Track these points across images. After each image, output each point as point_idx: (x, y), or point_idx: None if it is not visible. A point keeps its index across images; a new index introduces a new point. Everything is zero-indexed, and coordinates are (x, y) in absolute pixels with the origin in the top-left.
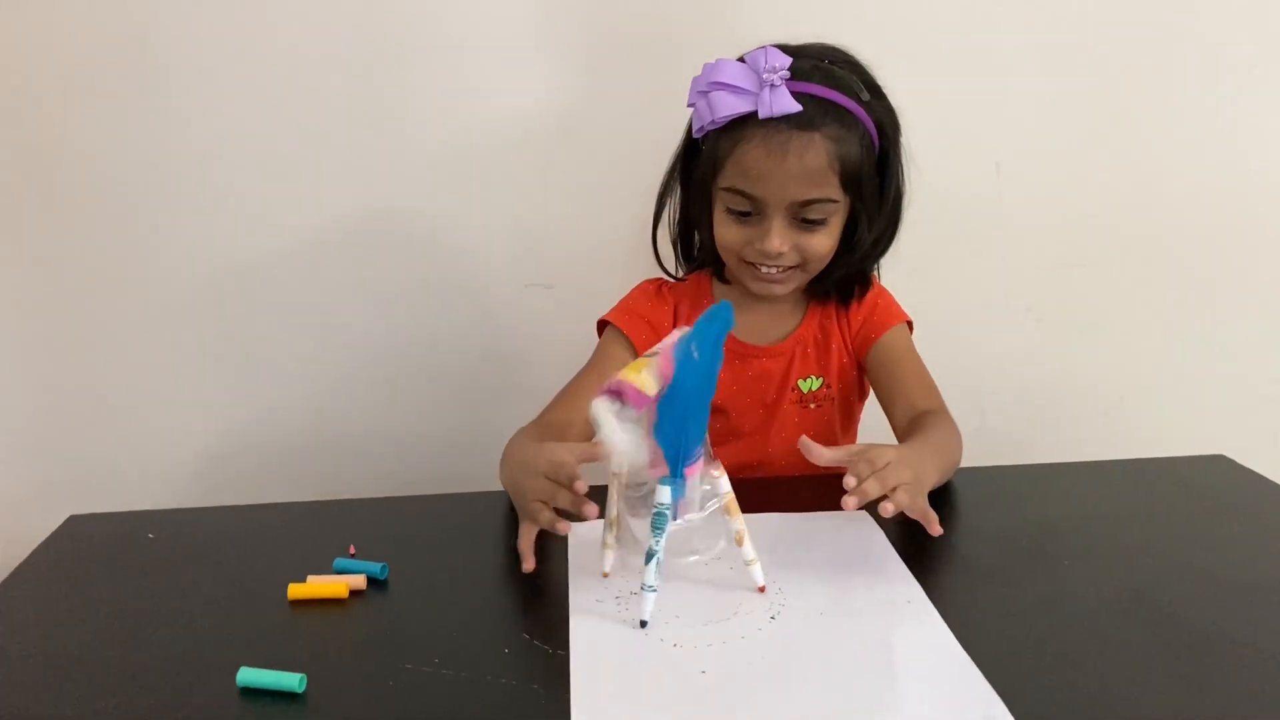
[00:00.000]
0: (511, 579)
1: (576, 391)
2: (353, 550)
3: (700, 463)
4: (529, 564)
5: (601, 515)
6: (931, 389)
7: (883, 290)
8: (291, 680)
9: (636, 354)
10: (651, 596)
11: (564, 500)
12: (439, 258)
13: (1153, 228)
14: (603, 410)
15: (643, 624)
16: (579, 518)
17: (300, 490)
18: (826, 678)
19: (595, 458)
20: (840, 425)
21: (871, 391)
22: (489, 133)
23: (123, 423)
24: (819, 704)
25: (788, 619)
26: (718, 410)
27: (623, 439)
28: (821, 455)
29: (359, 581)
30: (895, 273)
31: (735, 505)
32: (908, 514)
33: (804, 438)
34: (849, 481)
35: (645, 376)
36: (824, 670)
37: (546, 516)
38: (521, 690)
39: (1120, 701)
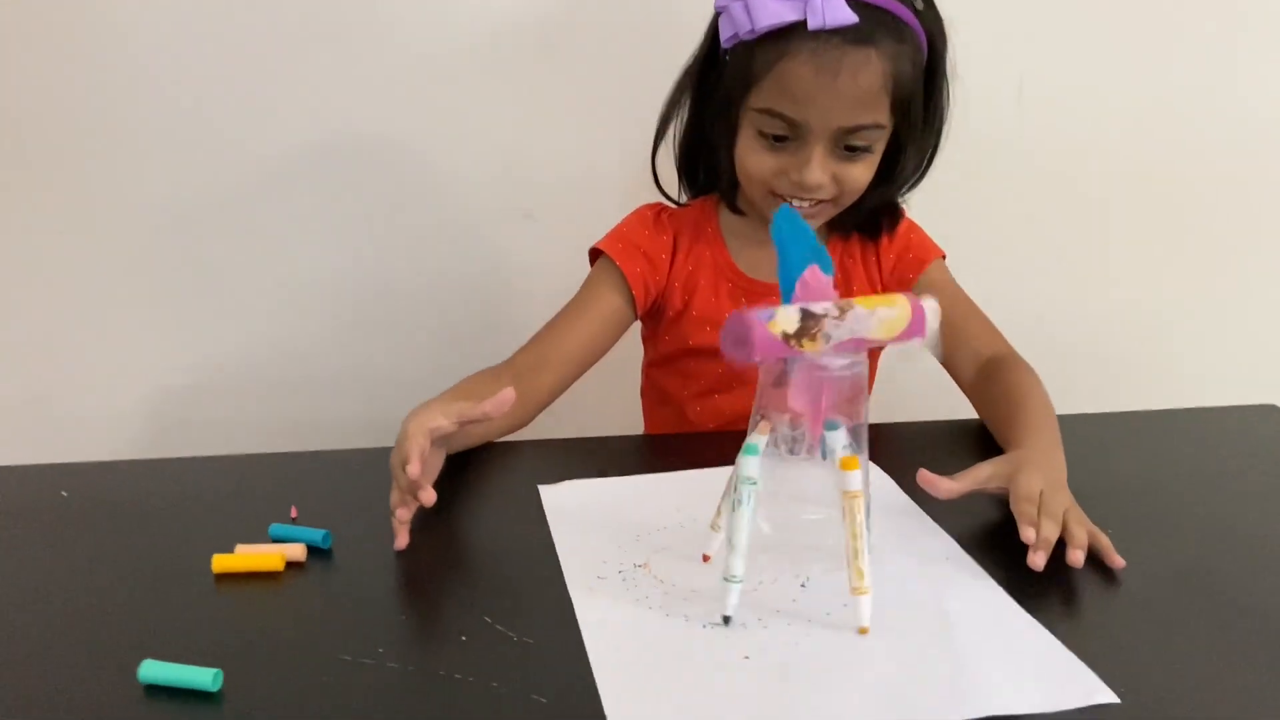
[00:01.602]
0: (474, 550)
1: (553, 331)
2: (295, 513)
3: None
4: (398, 538)
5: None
6: (991, 328)
7: (913, 224)
8: (204, 677)
9: (629, 289)
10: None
11: (402, 483)
12: (411, 184)
13: (1186, 159)
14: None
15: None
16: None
17: (261, 438)
18: (894, 657)
19: (473, 418)
20: None
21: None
22: (463, 49)
23: (64, 363)
24: (901, 693)
25: (820, 587)
26: (719, 354)
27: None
28: (952, 490)
29: (297, 552)
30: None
31: None
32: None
33: (924, 471)
34: (1029, 535)
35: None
36: (887, 648)
37: (393, 499)
38: (477, 688)
39: (1172, 684)
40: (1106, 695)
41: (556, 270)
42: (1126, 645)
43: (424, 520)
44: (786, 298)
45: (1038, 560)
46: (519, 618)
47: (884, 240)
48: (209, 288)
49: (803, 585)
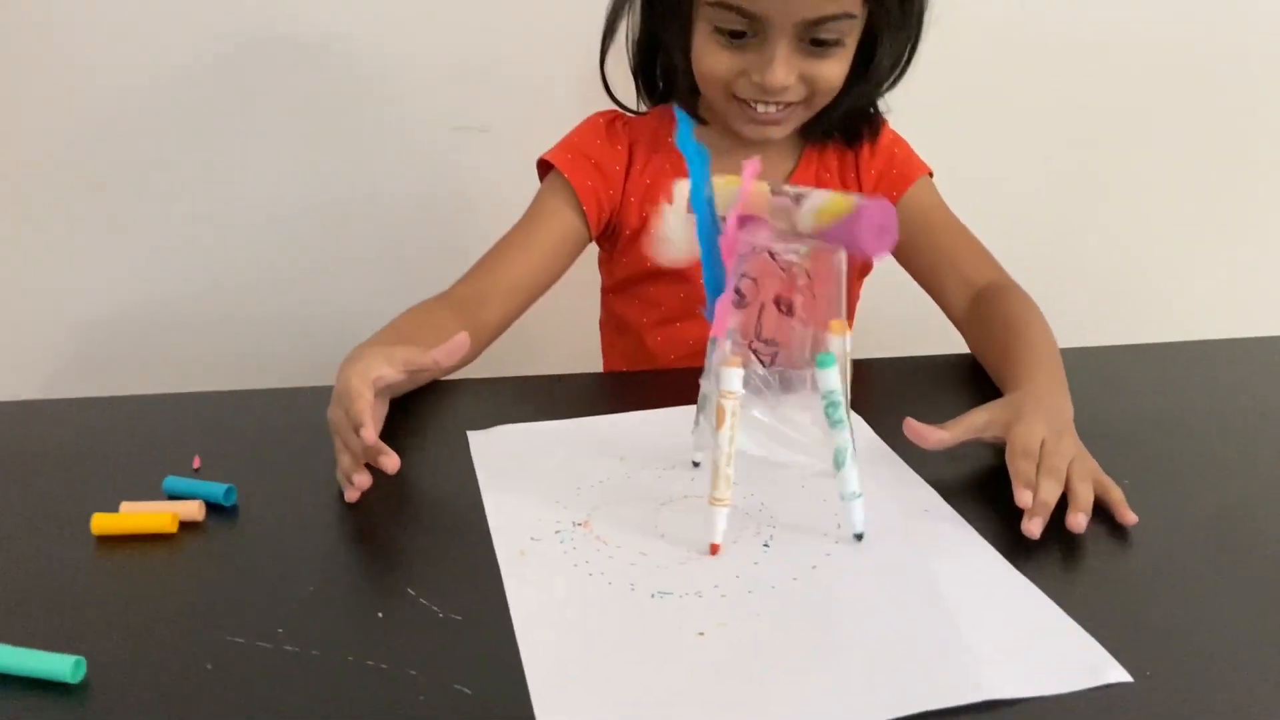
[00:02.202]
0: (400, 509)
1: (498, 256)
2: (198, 464)
3: None
4: (348, 494)
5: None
6: (983, 253)
7: (898, 137)
8: (61, 666)
9: (580, 205)
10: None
11: (354, 447)
12: (355, 95)
13: (1203, 64)
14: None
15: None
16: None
17: (187, 378)
18: (870, 632)
19: (422, 366)
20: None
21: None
22: None
23: None
24: (879, 676)
25: (785, 548)
26: (682, 276)
27: (682, 233)
28: (942, 440)
29: (193, 510)
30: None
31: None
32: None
33: (910, 421)
34: (1024, 498)
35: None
36: (862, 621)
37: (345, 463)
38: (390, 677)
39: (1195, 659)
40: (1118, 674)
41: (516, 188)
42: (1142, 613)
43: (333, 478)
44: (700, 210)
45: (1032, 528)
46: (447, 590)
47: (864, 153)
48: (123, 212)
49: (765, 545)
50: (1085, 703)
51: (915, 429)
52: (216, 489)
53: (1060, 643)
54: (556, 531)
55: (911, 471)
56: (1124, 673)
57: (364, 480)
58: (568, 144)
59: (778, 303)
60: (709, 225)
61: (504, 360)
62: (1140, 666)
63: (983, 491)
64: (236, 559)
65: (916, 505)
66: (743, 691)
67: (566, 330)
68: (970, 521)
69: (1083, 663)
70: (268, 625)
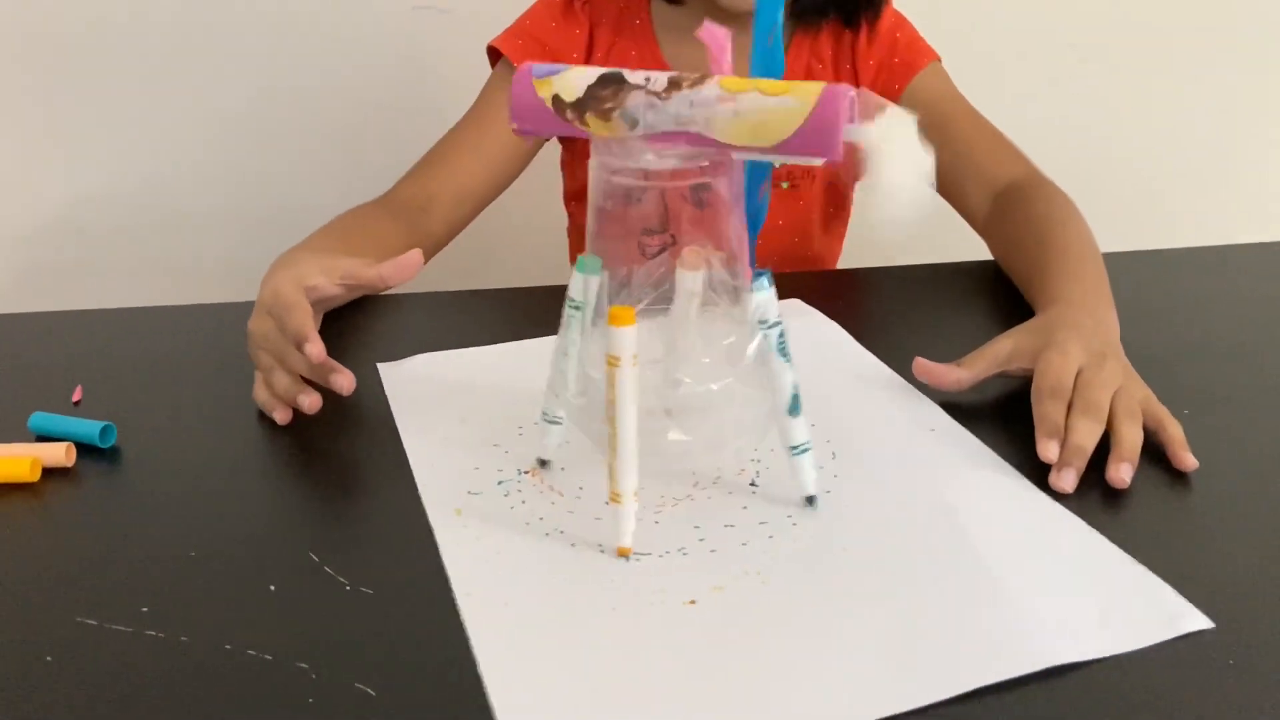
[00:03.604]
0: (313, 455)
1: (444, 155)
2: (78, 396)
3: None
4: (279, 415)
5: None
6: (1007, 146)
7: (901, 19)
8: None
9: None
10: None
11: (295, 364)
12: None
13: None
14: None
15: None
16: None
17: (132, 288)
18: (895, 587)
19: (365, 281)
20: (822, 216)
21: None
22: None
23: None
24: (909, 645)
25: (776, 485)
26: None
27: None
28: (961, 380)
29: (57, 454)
30: None
31: None
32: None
33: (920, 361)
34: (1047, 451)
35: None
36: (882, 574)
37: (281, 382)
38: (276, 672)
39: (1253, 596)
40: (1196, 619)
41: (475, 75)
42: (1210, 548)
43: (232, 416)
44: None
45: (1063, 482)
46: (360, 557)
47: (861, 40)
48: (70, 113)
49: (752, 484)
50: (1162, 657)
51: (928, 369)
52: (91, 428)
53: (1120, 587)
54: (499, 483)
55: (909, 386)
56: (1204, 618)
57: (314, 402)
58: (519, 28)
59: None
60: None
61: (459, 274)
62: (1217, 611)
63: (999, 409)
64: (106, 515)
65: (921, 421)
66: (753, 675)
67: (532, 240)
68: (988, 443)
69: (1153, 611)
70: (131, 602)
